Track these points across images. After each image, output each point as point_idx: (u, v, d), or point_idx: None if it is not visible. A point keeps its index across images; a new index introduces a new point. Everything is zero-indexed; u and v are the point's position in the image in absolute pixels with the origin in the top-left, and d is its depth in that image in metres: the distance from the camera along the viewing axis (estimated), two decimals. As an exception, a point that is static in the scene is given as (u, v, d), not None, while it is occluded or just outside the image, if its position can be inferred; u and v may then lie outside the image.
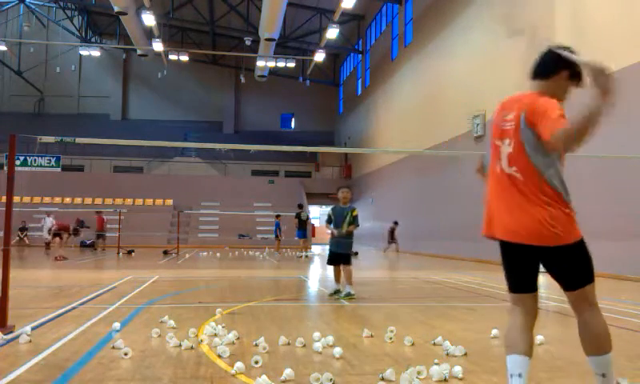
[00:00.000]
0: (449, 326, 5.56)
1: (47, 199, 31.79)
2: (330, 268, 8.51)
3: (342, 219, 8.19)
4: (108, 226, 28.71)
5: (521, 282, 2.78)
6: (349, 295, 7.85)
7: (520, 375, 2.59)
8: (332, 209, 8.38)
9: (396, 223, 24.72)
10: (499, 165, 2.80)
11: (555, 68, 2.81)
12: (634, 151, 10.78)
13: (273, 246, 25.53)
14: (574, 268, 2.70)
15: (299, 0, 32.14)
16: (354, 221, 8.18)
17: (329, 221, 8.34)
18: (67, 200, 32.38)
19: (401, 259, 20.49)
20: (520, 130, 2.69)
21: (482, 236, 2.91)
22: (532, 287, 2.78)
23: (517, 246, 2.70)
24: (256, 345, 4.40)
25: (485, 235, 2.88)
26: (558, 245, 2.63)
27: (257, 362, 3.84)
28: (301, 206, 23.68)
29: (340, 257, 8.22)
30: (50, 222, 23.80)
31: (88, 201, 32.79)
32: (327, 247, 8.57)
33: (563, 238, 2.62)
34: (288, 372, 3.52)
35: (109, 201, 32.55)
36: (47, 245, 23.87)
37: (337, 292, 8.09)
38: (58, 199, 32.16)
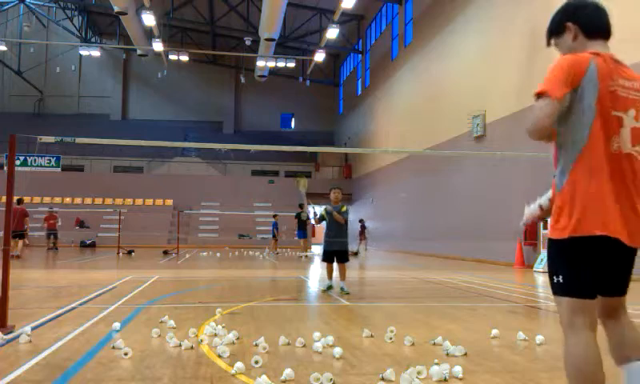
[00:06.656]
0: (449, 326, 5.56)
1: (47, 199, 31.78)
2: (324, 265, 8.79)
3: (333, 218, 8.46)
4: (107, 226, 28.64)
5: (594, 285, 2.29)
6: (343, 290, 8.13)
7: None
8: (324, 209, 8.62)
9: (361, 221, 25.64)
10: (617, 141, 2.20)
11: None
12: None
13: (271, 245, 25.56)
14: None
15: (299, 0, 32.13)
16: (344, 215, 8.51)
17: (321, 219, 8.62)
18: (67, 200, 32.38)
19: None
20: None
21: (594, 236, 2.20)
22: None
23: (622, 246, 2.21)
24: (256, 345, 4.40)
25: (598, 234, 2.18)
26: None
27: (257, 362, 3.84)
28: (301, 206, 23.28)
29: (336, 254, 8.42)
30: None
31: (88, 201, 32.81)
32: (323, 245, 8.79)
33: None
34: (288, 372, 3.51)
35: (109, 201, 32.57)
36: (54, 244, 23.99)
37: (329, 288, 8.27)
38: (57, 199, 32.16)
